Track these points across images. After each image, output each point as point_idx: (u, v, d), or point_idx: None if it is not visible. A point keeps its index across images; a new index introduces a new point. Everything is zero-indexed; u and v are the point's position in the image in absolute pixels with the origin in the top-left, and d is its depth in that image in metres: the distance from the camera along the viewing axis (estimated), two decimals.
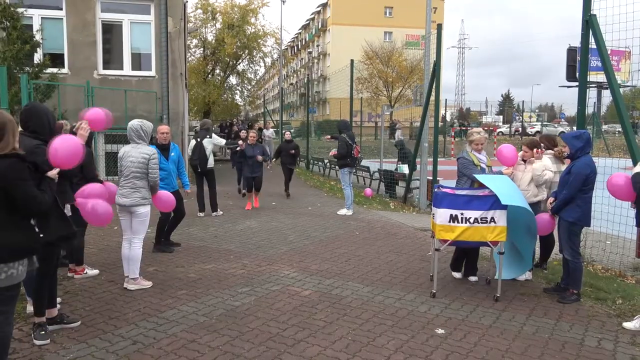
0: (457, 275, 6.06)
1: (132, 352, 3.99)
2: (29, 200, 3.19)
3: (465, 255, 6.03)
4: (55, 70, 12.16)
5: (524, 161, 5.96)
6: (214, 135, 10.00)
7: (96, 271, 5.99)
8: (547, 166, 5.86)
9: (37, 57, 11.94)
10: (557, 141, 6.39)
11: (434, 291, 5.36)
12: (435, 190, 5.46)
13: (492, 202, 5.06)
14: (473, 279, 5.96)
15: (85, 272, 5.87)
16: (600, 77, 8.89)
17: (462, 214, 5.11)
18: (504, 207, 5.07)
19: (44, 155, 3.65)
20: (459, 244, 5.39)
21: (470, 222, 5.10)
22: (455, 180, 5.92)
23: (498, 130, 44.17)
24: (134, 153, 5.46)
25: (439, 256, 5.49)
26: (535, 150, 5.88)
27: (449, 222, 5.14)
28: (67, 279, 5.72)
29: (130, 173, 5.44)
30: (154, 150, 5.58)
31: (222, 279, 5.91)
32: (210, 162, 9.74)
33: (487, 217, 5.09)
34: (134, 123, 5.55)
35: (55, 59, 12.68)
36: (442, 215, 5.17)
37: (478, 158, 5.79)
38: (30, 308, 4.62)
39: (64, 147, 3.68)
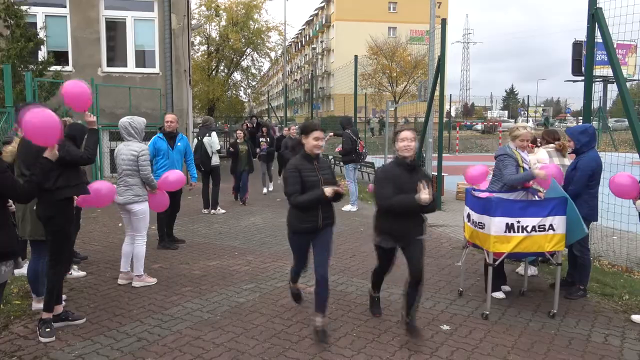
0: (501, 295, 5.23)
1: (137, 349, 3.99)
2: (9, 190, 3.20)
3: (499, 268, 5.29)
4: (59, 67, 12.18)
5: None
6: (213, 134, 9.86)
7: (83, 273, 5.91)
8: (540, 160, 5.77)
9: (41, 54, 11.97)
10: (558, 135, 6.37)
11: (487, 312, 4.69)
12: (473, 193, 4.96)
13: (551, 207, 4.53)
14: (505, 288, 5.35)
15: (70, 273, 5.74)
16: (607, 71, 8.79)
17: (518, 222, 4.49)
18: (563, 212, 4.57)
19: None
20: (514, 256, 4.86)
21: (527, 231, 4.51)
22: (489, 182, 5.42)
23: (503, 125, 44.04)
24: (125, 150, 5.47)
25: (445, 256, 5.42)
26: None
27: (505, 232, 4.51)
28: (87, 273, 5.73)
29: (123, 171, 5.45)
30: (143, 147, 5.51)
31: (226, 275, 5.91)
32: (214, 161, 9.71)
33: (545, 225, 4.52)
34: (123, 120, 5.53)
35: (59, 57, 12.69)
36: (497, 224, 4.50)
37: (522, 157, 5.11)
38: (35, 305, 4.64)
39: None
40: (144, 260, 5.57)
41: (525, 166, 5.07)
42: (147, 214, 5.58)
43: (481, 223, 4.71)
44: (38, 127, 3.43)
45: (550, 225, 4.54)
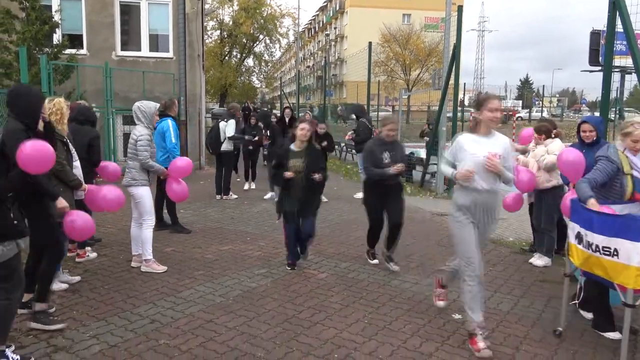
0: (617, 336, 4.04)
1: (150, 330, 4.03)
2: None
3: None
4: (74, 51, 12.25)
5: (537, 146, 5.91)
6: (230, 122, 9.76)
7: (94, 254, 5.96)
8: (551, 151, 5.70)
9: (56, 37, 12.02)
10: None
11: None
12: (588, 207, 3.75)
13: None
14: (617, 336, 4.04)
15: (87, 255, 5.86)
16: (624, 62, 8.62)
17: None
18: None
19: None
20: None
21: None
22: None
23: (517, 115, 43.63)
24: (132, 134, 5.56)
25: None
26: (538, 135, 5.94)
27: None
28: (100, 255, 5.80)
29: (128, 154, 5.54)
30: (143, 132, 5.48)
31: (238, 260, 5.94)
32: (225, 146, 9.70)
33: None
34: (135, 104, 5.61)
35: (74, 40, 12.76)
36: None
37: (631, 161, 4.05)
38: (54, 286, 4.69)
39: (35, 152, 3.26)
40: (157, 244, 5.60)
41: (635, 173, 4.03)
42: (145, 198, 5.53)
43: (609, 248, 3.53)
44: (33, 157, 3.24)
45: None
